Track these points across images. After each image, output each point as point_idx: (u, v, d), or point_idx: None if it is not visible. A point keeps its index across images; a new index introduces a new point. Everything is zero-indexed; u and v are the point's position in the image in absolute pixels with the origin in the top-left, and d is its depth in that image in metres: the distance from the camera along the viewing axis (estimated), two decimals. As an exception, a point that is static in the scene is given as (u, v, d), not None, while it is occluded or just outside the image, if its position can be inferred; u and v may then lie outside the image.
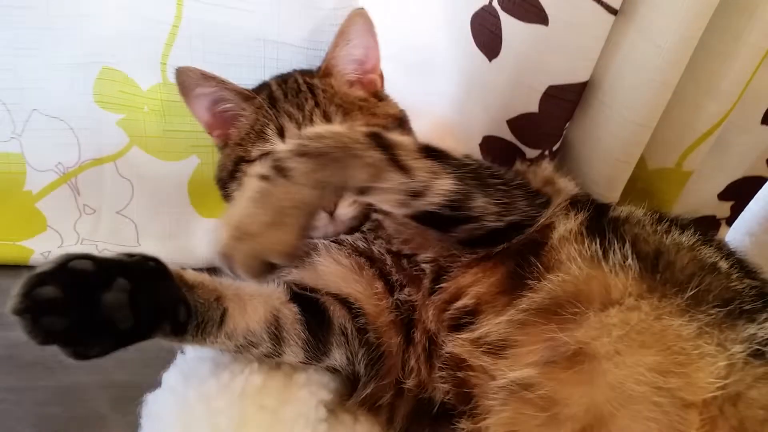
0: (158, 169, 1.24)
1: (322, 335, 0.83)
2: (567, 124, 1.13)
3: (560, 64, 1.05)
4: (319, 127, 0.80)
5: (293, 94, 1.08)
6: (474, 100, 1.22)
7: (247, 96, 1.06)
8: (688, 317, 0.72)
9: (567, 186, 0.96)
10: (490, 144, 1.23)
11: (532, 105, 1.11)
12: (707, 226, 1.32)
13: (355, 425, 0.86)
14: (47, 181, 1.22)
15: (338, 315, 0.86)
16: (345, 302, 0.87)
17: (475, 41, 1.14)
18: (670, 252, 0.79)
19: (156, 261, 0.71)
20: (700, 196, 1.26)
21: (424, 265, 0.89)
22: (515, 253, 0.84)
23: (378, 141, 0.77)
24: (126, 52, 1.17)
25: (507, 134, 1.19)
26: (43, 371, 0.98)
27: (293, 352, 0.81)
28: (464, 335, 0.81)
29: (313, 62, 1.19)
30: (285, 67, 1.19)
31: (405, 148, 0.78)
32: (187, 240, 1.25)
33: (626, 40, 1.00)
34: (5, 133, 1.18)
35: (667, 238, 0.82)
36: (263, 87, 1.12)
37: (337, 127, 0.79)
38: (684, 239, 0.82)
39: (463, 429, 0.78)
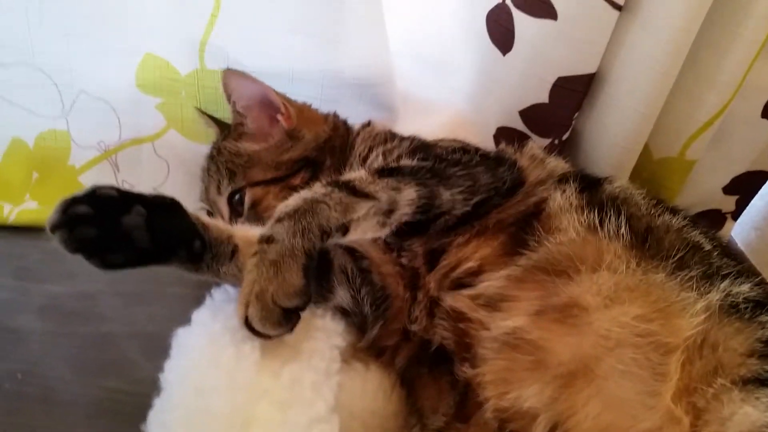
0: (193, 150, 1.33)
1: (322, 273, 0.89)
2: (576, 114, 1.20)
3: (569, 57, 1.12)
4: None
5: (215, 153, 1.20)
6: (489, 93, 1.29)
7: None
8: (671, 275, 0.79)
9: (557, 164, 1.03)
10: (503, 134, 1.30)
11: (542, 96, 1.19)
12: (713, 220, 1.37)
13: (367, 373, 0.92)
14: (89, 156, 1.31)
15: (339, 256, 0.92)
16: (348, 248, 0.93)
17: (490, 37, 1.21)
18: (659, 230, 0.87)
19: (173, 200, 0.82)
20: (705, 189, 1.31)
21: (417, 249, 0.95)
22: (513, 222, 0.91)
23: (335, 184, 0.86)
24: (167, 40, 1.26)
25: (519, 124, 1.27)
26: (80, 320, 1.07)
27: None
28: (465, 292, 0.87)
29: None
30: (315, 59, 1.29)
31: (360, 180, 0.87)
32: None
33: (630, 34, 1.07)
34: (55, 111, 1.27)
35: (658, 220, 0.89)
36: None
37: (301, 193, 0.86)
38: (674, 222, 0.89)
39: (463, 374, 0.84)
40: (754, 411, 0.65)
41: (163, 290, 1.09)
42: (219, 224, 0.89)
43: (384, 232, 0.87)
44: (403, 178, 0.88)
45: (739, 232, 1.47)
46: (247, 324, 0.77)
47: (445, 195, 0.88)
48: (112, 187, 0.76)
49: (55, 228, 0.71)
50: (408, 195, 0.86)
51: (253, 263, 0.78)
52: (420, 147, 1.06)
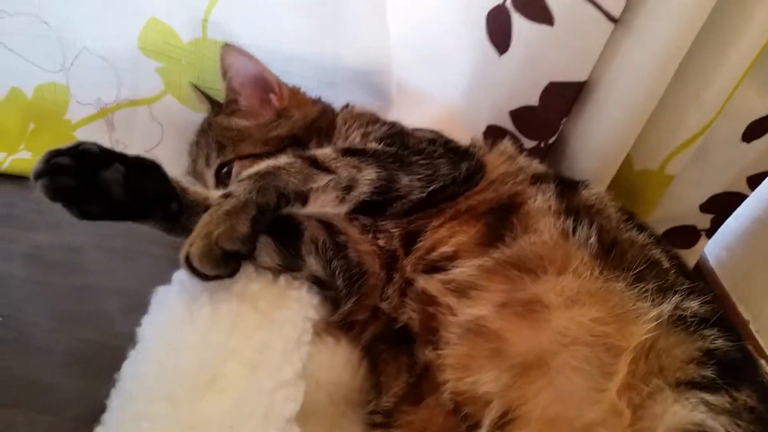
0: (188, 117, 1.35)
1: (291, 240, 0.93)
2: (564, 119, 1.23)
3: (562, 63, 1.15)
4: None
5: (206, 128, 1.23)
6: (482, 91, 1.32)
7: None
8: (630, 285, 0.84)
9: (530, 163, 1.09)
10: (492, 133, 1.33)
11: (533, 99, 1.21)
12: (687, 236, 1.41)
13: (337, 347, 0.96)
14: (86, 113, 1.33)
15: (312, 228, 0.96)
16: (326, 224, 0.97)
17: (488, 36, 1.24)
18: (624, 243, 0.91)
19: (154, 162, 0.87)
20: (682, 204, 1.35)
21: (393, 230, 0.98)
22: (488, 212, 0.95)
23: (300, 156, 0.91)
24: (172, 7, 1.28)
25: (509, 124, 1.29)
26: (63, 271, 1.09)
27: (268, 255, 0.92)
28: (438, 276, 0.91)
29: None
30: (314, 40, 1.31)
31: (324, 154, 0.92)
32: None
33: (622, 46, 1.09)
34: (56, 65, 1.29)
35: (625, 234, 0.93)
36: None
37: (267, 161, 0.91)
38: (639, 238, 0.94)
39: (424, 356, 0.89)
40: (682, 410, 0.71)
41: (148, 249, 1.12)
42: (198, 189, 0.93)
43: (343, 209, 0.93)
44: (365, 159, 0.93)
45: (712, 250, 1.51)
46: (187, 261, 0.80)
47: (404, 180, 0.94)
48: (95, 144, 0.81)
49: (37, 176, 0.76)
50: (368, 175, 0.92)
51: (208, 212, 0.82)
52: (395, 134, 1.10)
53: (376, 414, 0.92)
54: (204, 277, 0.81)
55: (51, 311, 1.03)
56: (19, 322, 1.00)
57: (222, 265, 0.80)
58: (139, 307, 0.87)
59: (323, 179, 0.89)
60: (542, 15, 1.10)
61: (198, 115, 1.33)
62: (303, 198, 0.88)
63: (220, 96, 1.27)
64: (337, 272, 0.94)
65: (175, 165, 1.35)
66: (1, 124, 1.31)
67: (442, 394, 0.85)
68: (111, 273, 1.11)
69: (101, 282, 1.09)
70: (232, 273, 0.83)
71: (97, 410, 0.77)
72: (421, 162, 0.98)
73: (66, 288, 1.07)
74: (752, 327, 1.31)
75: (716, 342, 0.80)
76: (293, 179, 0.87)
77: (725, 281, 1.44)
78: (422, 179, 0.95)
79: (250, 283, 0.88)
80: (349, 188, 0.91)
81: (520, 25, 1.15)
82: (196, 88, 1.33)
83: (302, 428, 0.79)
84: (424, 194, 0.95)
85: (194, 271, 0.80)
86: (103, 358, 0.93)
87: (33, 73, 1.30)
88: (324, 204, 0.90)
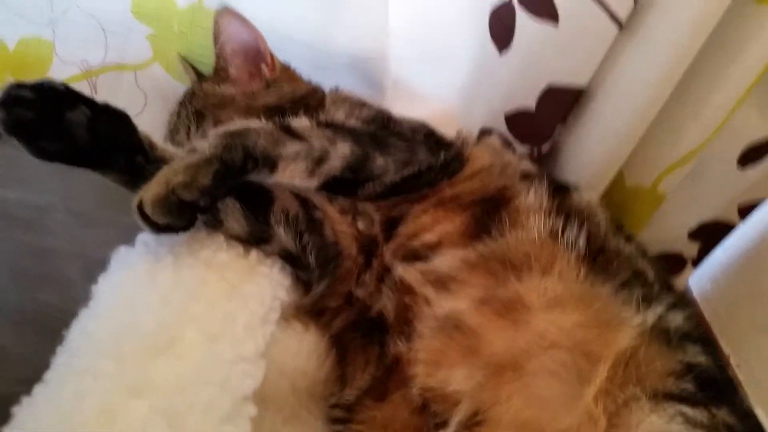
0: (173, 88, 1.30)
1: (260, 209, 0.89)
2: (559, 126, 1.21)
3: (563, 65, 1.12)
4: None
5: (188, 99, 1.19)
6: (479, 91, 1.29)
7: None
8: (614, 292, 0.82)
9: (519, 161, 1.07)
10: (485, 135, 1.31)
11: (530, 102, 1.18)
12: (674, 264, 1.39)
13: (305, 334, 0.92)
14: (70, 73, 1.27)
15: (285, 199, 0.92)
16: (303, 198, 0.92)
17: (490, 33, 1.21)
18: (611, 251, 0.90)
19: (124, 113, 0.83)
20: (671, 229, 1.33)
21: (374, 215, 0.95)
22: (475, 203, 0.92)
23: (274, 122, 0.87)
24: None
25: (503, 127, 1.27)
26: (25, 229, 1.03)
27: (235, 220, 0.88)
28: (418, 265, 0.88)
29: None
30: (312, 20, 1.27)
31: (300, 123, 0.88)
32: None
33: (624, 54, 1.07)
34: (43, 18, 1.23)
35: (612, 242, 0.92)
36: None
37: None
38: (626, 249, 0.92)
39: (395, 348, 0.85)
40: (658, 420, 0.70)
41: (117, 218, 1.05)
42: (167, 146, 0.88)
43: (312, 183, 0.87)
44: (342, 134, 0.89)
45: (697, 281, 1.48)
46: (139, 208, 0.75)
47: (379, 161, 0.90)
48: (63, 84, 0.77)
49: None
50: (342, 150, 0.87)
51: (168, 164, 0.78)
52: (379, 117, 1.06)
53: (336, 408, 0.88)
54: (155, 227, 0.76)
55: (8, 268, 0.98)
56: (-28, 275, 0.95)
57: (175, 214, 0.75)
58: (99, 274, 0.82)
59: (294, 146, 0.84)
60: (548, 12, 1.07)
61: (184, 86, 1.29)
62: (271, 163, 0.82)
63: (209, 71, 1.23)
64: (308, 247, 0.90)
65: (154, 133, 1.31)
66: (-23, 74, 1.25)
67: (410, 389, 0.81)
68: (75, 237, 1.05)
69: (63, 245, 1.03)
70: (185, 226, 0.79)
71: (43, 374, 0.71)
72: (399, 145, 0.94)
73: (26, 246, 1.02)
74: (732, 361, 1.28)
75: (698, 358, 0.79)
76: (262, 141, 0.82)
77: (707, 313, 1.41)
78: (397, 162, 0.91)
79: (219, 252, 0.84)
80: (320, 161, 0.86)
81: (523, 22, 1.12)
82: (185, 59, 1.29)
83: (261, 413, 0.75)
84: (397, 178, 0.91)
85: (145, 218, 0.75)
86: (57, 322, 0.87)
87: (17, 25, 1.23)
88: (293, 174, 0.85)
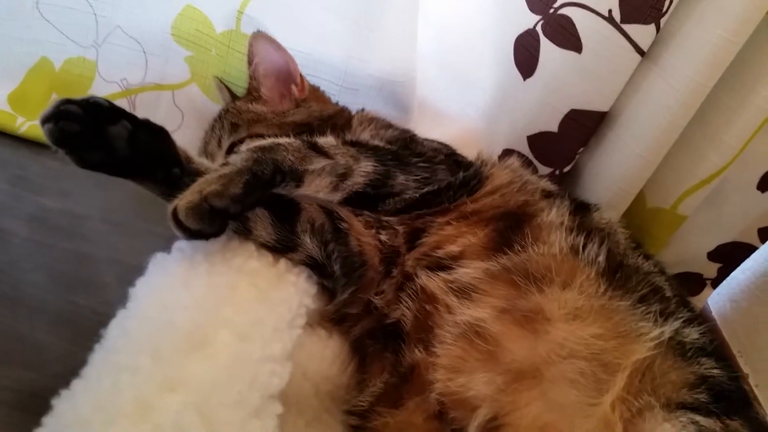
0: (209, 108, 1.36)
1: (287, 218, 0.93)
2: (581, 149, 1.23)
3: (585, 91, 1.15)
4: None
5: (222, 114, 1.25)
6: (502, 113, 1.33)
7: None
8: (633, 306, 0.84)
9: (539, 180, 1.09)
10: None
11: (552, 125, 1.22)
12: (693, 283, 1.39)
13: (328, 340, 0.95)
14: (110, 91, 1.33)
15: (311, 210, 0.95)
16: (329, 212, 0.96)
17: (515, 60, 1.25)
18: (630, 268, 0.92)
19: (163, 128, 0.88)
20: (691, 250, 1.34)
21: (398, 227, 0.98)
22: (498, 218, 0.95)
23: (301, 140, 0.92)
24: (210, -3, 1.30)
25: (525, 149, 1.30)
26: (64, 236, 1.09)
27: (263, 228, 0.91)
28: (442, 274, 0.90)
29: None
30: (343, 43, 1.33)
31: (326, 141, 0.94)
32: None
33: (647, 80, 1.10)
34: (88, 40, 1.30)
35: (631, 259, 0.95)
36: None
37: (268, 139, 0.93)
38: (645, 265, 0.95)
39: (412, 356, 0.87)
40: (671, 428, 0.72)
41: (152, 228, 1.11)
42: (203, 160, 0.94)
43: (336, 196, 0.92)
44: (365, 152, 0.94)
45: (716, 301, 1.48)
46: (173, 215, 0.79)
47: (400, 178, 0.95)
48: (106, 100, 0.82)
49: (44, 120, 0.77)
50: (365, 167, 0.92)
51: (203, 176, 0.82)
52: (403, 138, 1.11)
53: (350, 415, 0.91)
54: (187, 232, 0.80)
55: (47, 272, 1.03)
56: (12, 278, 1.00)
57: (206, 221, 0.79)
58: (134, 279, 0.85)
59: (320, 162, 0.89)
60: (571, 42, 1.11)
61: (218, 107, 1.34)
62: (298, 177, 0.87)
63: (242, 93, 1.28)
64: (334, 256, 0.93)
65: (191, 151, 1.37)
66: (25, 90, 1.31)
67: (428, 396, 0.83)
68: (111, 244, 1.10)
69: (100, 252, 1.08)
70: (215, 233, 0.83)
71: (79, 370, 0.74)
72: (420, 164, 0.98)
73: (65, 252, 1.06)
74: (751, 381, 1.28)
75: (712, 371, 0.80)
76: (291, 156, 0.87)
77: (727, 333, 1.41)
78: (418, 180, 0.96)
79: (250, 259, 0.87)
80: (344, 176, 0.91)
81: (547, 50, 1.16)
82: (221, 81, 1.34)
83: (283, 416, 0.77)
84: (417, 195, 0.95)
85: (178, 224, 0.79)
86: (92, 323, 0.91)
87: (65, 46, 1.31)
88: (318, 188, 0.90)
